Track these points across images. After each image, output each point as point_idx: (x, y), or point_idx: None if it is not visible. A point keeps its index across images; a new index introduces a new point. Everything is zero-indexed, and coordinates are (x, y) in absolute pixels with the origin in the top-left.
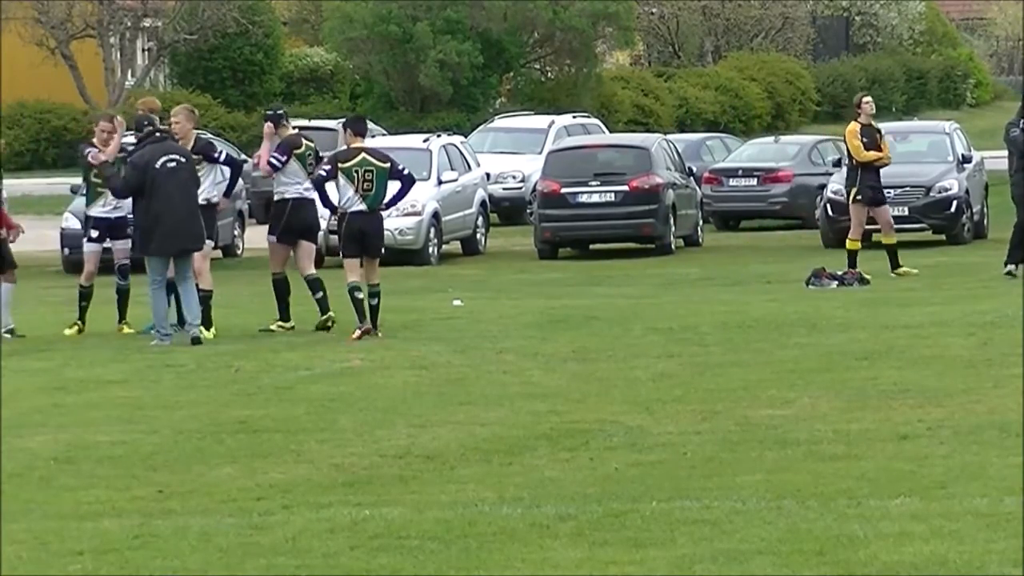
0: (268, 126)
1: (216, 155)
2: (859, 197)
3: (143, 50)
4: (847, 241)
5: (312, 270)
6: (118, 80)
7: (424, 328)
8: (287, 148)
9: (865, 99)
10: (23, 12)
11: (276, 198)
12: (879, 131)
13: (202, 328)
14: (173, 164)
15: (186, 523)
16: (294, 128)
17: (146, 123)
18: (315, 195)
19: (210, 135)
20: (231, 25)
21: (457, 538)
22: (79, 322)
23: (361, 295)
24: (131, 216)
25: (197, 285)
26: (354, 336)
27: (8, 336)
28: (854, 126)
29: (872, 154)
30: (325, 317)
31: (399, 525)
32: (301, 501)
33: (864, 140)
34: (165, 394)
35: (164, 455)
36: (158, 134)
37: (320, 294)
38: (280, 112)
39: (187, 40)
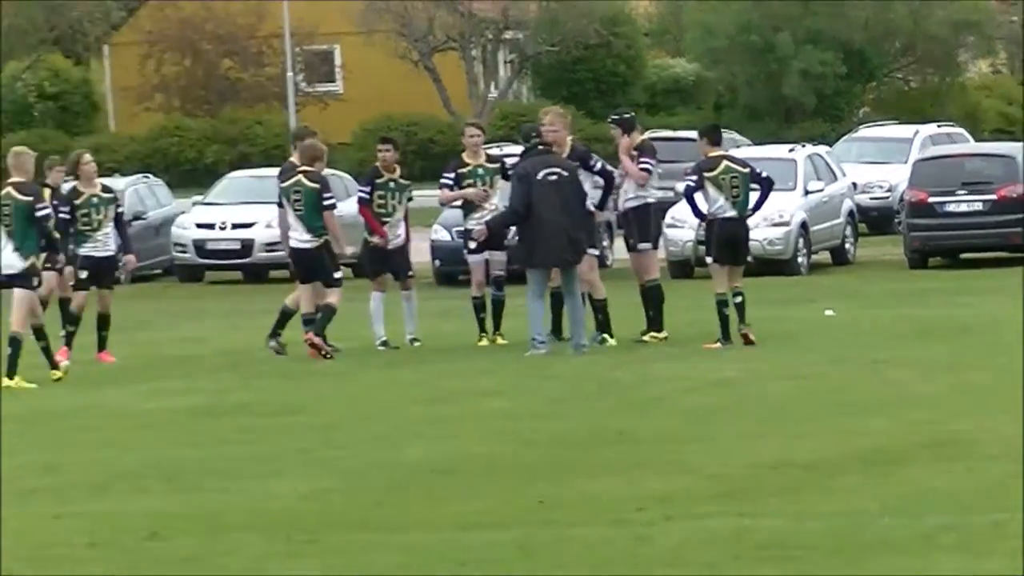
0: (618, 133)
1: (592, 164)
2: None
3: (505, 62)
4: None
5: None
6: (481, 92)
7: (797, 338)
8: (653, 152)
9: None
10: (385, 25)
11: (636, 204)
12: None
13: (605, 336)
14: (555, 177)
15: (569, 534)
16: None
17: (534, 134)
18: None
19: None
20: (593, 37)
21: (840, 548)
22: (483, 333)
23: (728, 310)
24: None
25: (589, 295)
26: (713, 345)
27: (382, 347)
28: None
29: None
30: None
31: (781, 535)
32: (682, 511)
33: None
34: (541, 405)
35: (543, 466)
36: (541, 147)
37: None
38: (628, 115)
39: (549, 52)
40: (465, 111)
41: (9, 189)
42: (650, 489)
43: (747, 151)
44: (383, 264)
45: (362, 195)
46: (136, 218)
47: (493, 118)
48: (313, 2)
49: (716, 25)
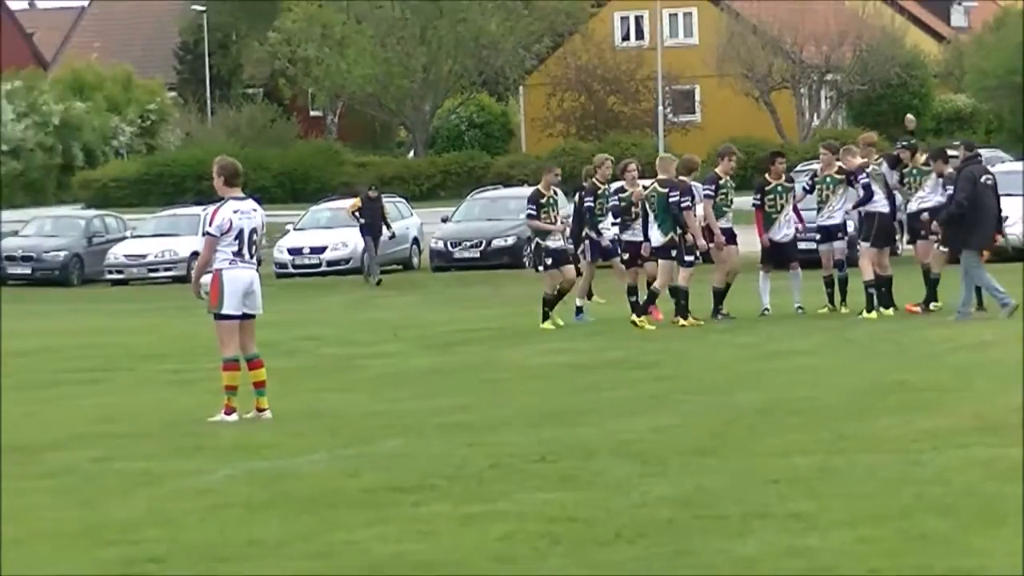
0: (907, 155)
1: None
2: None
3: (826, 97)
4: None
5: None
6: (806, 121)
7: None
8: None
9: None
10: (735, 70)
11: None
12: None
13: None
14: (991, 181)
15: (856, 460)
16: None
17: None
18: None
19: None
20: (893, 78)
21: None
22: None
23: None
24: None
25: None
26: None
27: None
28: None
29: None
30: None
31: (1019, 462)
32: (946, 443)
33: None
34: (842, 362)
35: (840, 409)
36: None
37: None
38: (912, 142)
39: (859, 89)
40: (793, 136)
41: (655, 184)
42: (922, 427)
43: (1009, 165)
44: (778, 252)
45: (755, 202)
46: None
47: (814, 141)
48: (679, 51)
49: (989, 69)
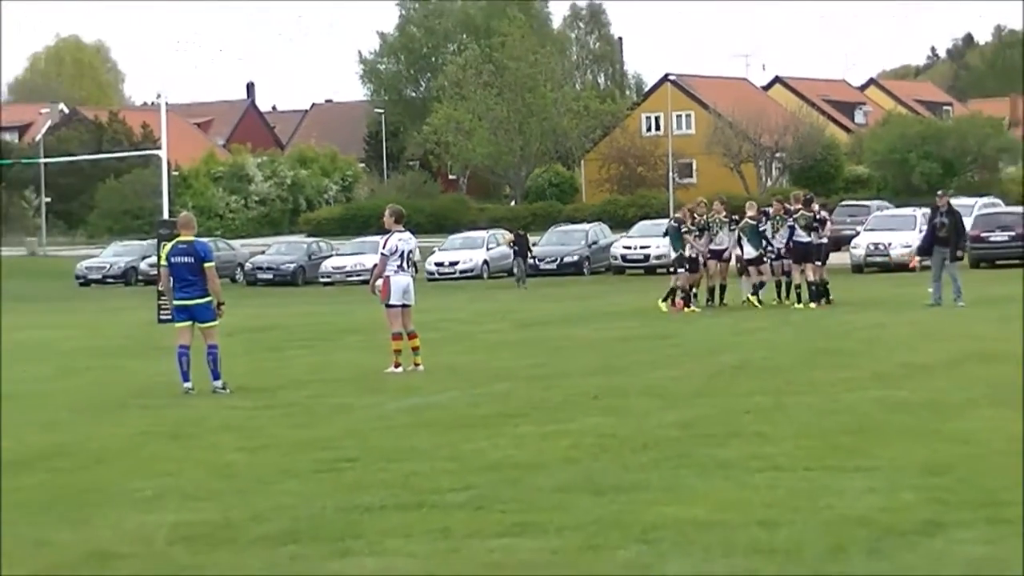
0: None
1: None
2: None
3: (775, 167)
4: None
5: None
6: (763, 182)
7: None
8: None
9: None
10: (717, 150)
11: None
12: None
13: None
14: None
15: (798, 400)
16: None
17: None
18: None
19: None
20: (818, 155)
21: None
22: None
23: None
24: None
25: None
26: None
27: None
28: None
29: None
30: None
31: (903, 399)
32: (854, 387)
33: None
34: (787, 336)
35: (787, 366)
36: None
37: None
38: None
39: (797, 162)
40: (755, 192)
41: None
42: (839, 376)
43: (891, 211)
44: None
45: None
46: None
47: (768, 195)
48: (682, 138)
49: (878, 149)
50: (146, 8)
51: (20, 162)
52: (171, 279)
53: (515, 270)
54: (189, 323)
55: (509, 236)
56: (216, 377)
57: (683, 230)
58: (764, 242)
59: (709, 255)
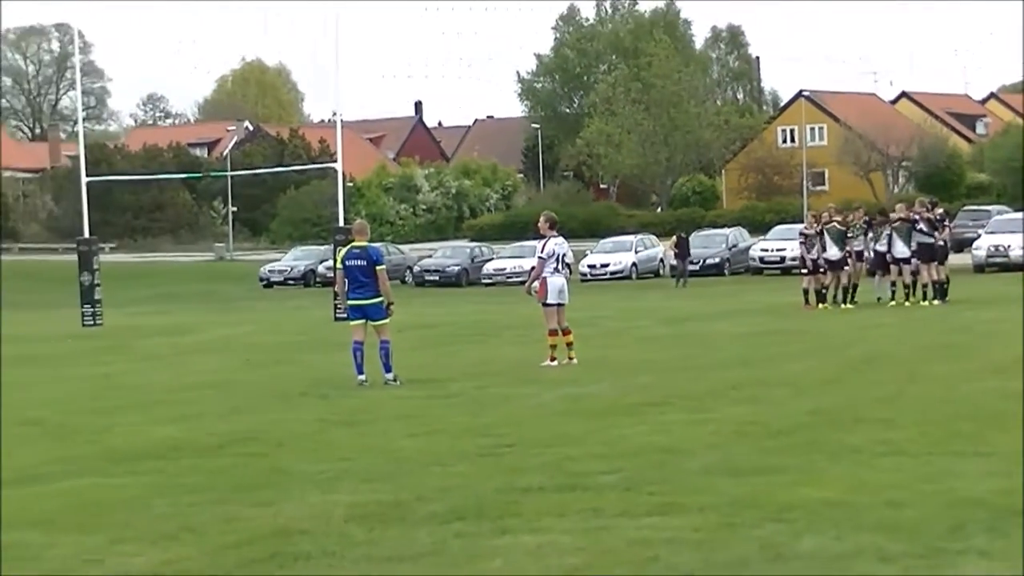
0: None
1: None
2: None
3: (901, 175)
4: None
5: None
6: (890, 190)
7: None
8: None
9: None
10: (847, 160)
11: None
12: None
13: None
14: None
15: (921, 389)
16: None
17: None
18: None
19: None
20: (942, 164)
21: None
22: None
23: None
24: None
25: None
26: None
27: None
28: None
29: None
30: None
31: (1019, 391)
32: (971, 379)
33: None
34: (909, 331)
35: (911, 358)
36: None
37: None
38: None
39: (921, 171)
40: (883, 199)
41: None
42: (957, 368)
43: (1011, 214)
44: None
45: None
46: None
47: (895, 201)
48: (815, 149)
49: (998, 158)
50: (326, 34)
51: (209, 175)
52: (346, 281)
53: (676, 270)
54: (362, 321)
55: (673, 240)
56: (388, 370)
57: (808, 233)
58: (912, 243)
59: (849, 256)
